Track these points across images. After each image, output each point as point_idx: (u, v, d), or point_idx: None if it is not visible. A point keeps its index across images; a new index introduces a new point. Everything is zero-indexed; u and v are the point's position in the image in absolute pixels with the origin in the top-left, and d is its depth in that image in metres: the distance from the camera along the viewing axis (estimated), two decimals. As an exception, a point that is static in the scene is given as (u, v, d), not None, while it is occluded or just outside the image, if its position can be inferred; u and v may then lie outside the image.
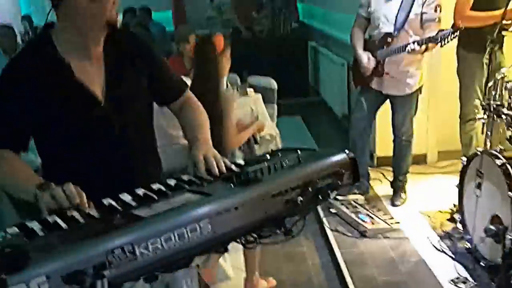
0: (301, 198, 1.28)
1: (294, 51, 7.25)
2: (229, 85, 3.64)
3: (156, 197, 1.28)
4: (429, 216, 3.45)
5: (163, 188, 1.35)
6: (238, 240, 1.28)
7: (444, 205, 3.42)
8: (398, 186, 3.76)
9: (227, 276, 2.87)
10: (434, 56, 3.92)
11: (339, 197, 3.64)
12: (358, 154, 3.71)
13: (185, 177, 1.42)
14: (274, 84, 4.10)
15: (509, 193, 2.49)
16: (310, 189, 1.29)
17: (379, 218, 3.38)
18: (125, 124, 1.61)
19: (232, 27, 8.19)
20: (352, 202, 3.60)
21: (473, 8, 3.30)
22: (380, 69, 3.41)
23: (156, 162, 1.78)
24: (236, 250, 2.83)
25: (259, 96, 3.75)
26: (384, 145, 4.22)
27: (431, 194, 3.80)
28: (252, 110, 3.52)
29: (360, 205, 3.58)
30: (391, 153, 3.86)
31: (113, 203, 1.27)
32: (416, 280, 2.75)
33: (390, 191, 3.84)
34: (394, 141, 3.72)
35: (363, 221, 3.33)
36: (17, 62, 1.59)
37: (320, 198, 1.32)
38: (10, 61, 1.60)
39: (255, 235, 1.30)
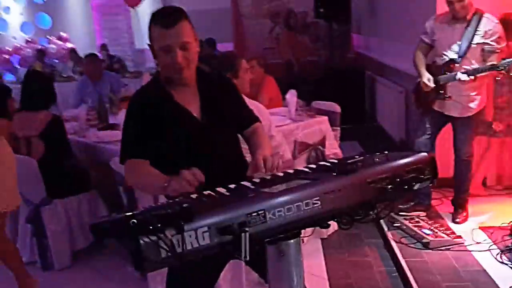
0: (391, 187, 1.56)
1: (351, 80, 7.50)
2: (298, 107, 3.98)
3: (272, 183, 1.59)
4: (489, 232, 3.61)
5: (274, 178, 1.67)
6: (337, 219, 1.59)
7: (504, 222, 3.60)
8: (459, 204, 3.93)
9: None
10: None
11: (402, 213, 3.86)
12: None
13: (290, 170, 1.74)
14: (338, 108, 4.39)
15: None
16: (397, 179, 1.58)
17: (441, 232, 3.57)
18: (219, 134, 1.99)
19: (287, 58, 8.66)
20: (415, 217, 3.80)
21: None
22: (443, 93, 3.64)
23: (244, 165, 2.06)
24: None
25: (326, 118, 4.07)
26: (444, 166, 4.40)
27: (491, 212, 3.96)
28: (320, 129, 3.84)
29: (422, 220, 3.78)
30: (451, 174, 4.05)
31: (239, 186, 1.60)
32: (479, 287, 2.93)
33: (450, 210, 4.01)
34: (455, 161, 3.91)
35: (426, 234, 3.53)
36: (138, 94, 2.05)
37: (406, 187, 1.60)
38: (135, 93, 2.07)
39: (350, 217, 1.59)
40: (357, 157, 1.76)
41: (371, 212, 1.60)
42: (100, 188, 3.69)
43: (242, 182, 1.64)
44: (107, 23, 10.04)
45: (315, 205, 1.43)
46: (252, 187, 1.58)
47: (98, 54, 6.43)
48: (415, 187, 1.63)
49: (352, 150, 6.08)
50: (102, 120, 4.22)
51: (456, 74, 3.49)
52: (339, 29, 7.63)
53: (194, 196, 1.53)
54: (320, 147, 3.85)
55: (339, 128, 4.45)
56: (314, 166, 1.78)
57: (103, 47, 8.72)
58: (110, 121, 4.24)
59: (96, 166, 3.72)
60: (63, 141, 3.62)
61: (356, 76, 7.60)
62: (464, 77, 3.45)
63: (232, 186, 1.61)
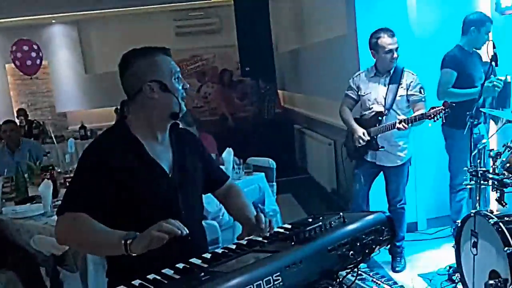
0: (352, 252, 1.48)
1: (280, 134, 7.59)
2: (235, 165, 3.89)
3: (225, 258, 1.45)
4: (429, 279, 3.63)
5: (227, 251, 1.53)
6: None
7: (440, 268, 3.63)
8: (396, 252, 3.95)
9: None
10: (419, 130, 4.26)
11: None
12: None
13: (243, 241, 1.61)
14: (273, 163, 4.35)
15: (505, 248, 2.71)
16: (358, 244, 1.49)
17: (384, 283, 3.52)
18: (187, 195, 1.84)
19: (219, 114, 8.69)
20: (355, 270, 3.73)
21: (455, 86, 3.83)
22: (375, 144, 3.71)
23: (203, 231, 1.99)
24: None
25: (263, 174, 4.00)
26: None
27: (427, 258, 4.00)
28: (259, 187, 3.76)
29: (364, 272, 3.72)
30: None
31: (188, 265, 1.45)
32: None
33: (388, 258, 4.01)
34: (389, 209, 3.94)
35: (370, 287, 3.46)
36: (99, 143, 1.81)
37: (367, 251, 1.52)
38: (93, 141, 1.84)
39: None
40: (310, 220, 1.67)
41: (334, 282, 1.50)
42: (19, 271, 3.30)
43: (191, 260, 1.49)
44: (24, 87, 9.60)
45: (276, 282, 1.30)
46: (204, 265, 1.43)
47: (16, 120, 6.05)
48: (376, 250, 1.56)
49: (287, 204, 6.04)
50: (20, 192, 3.83)
51: (394, 124, 3.53)
52: (265, 86, 7.77)
53: (137, 283, 1.35)
54: (260, 205, 3.76)
55: (275, 183, 4.40)
56: (267, 234, 1.68)
57: (21, 111, 8.22)
58: (29, 193, 3.85)
59: (13, 245, 3.33)
60: None
61: (285, 130, 7.71)
62: (402, 126, 3.50)
63: (181, 266, 1.45)
